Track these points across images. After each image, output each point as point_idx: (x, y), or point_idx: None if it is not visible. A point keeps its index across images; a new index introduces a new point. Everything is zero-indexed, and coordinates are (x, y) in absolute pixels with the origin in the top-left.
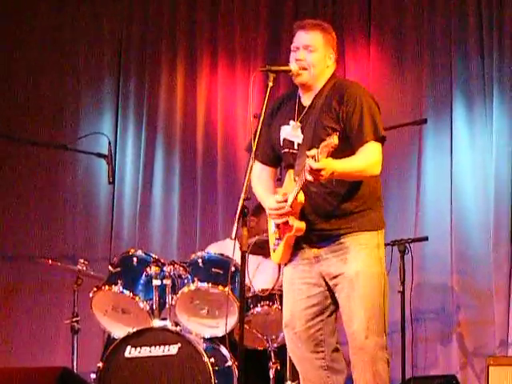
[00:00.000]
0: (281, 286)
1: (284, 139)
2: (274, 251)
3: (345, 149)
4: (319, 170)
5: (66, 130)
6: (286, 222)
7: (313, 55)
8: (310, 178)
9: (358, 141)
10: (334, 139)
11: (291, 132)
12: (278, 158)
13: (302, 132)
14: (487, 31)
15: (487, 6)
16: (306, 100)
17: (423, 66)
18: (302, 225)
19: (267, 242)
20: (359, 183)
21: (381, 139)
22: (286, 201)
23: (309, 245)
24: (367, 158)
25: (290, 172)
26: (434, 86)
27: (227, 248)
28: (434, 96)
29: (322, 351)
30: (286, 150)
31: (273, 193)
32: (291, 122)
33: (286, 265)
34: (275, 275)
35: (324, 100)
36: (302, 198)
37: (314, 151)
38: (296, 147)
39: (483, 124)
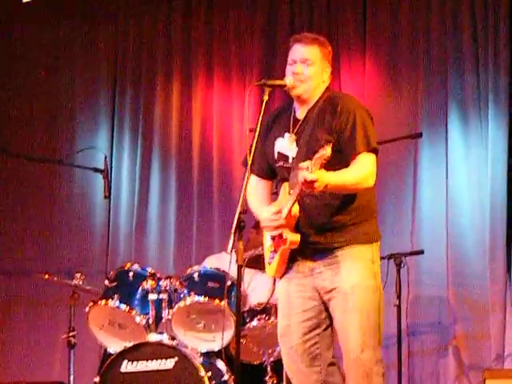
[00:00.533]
0: (276, 300)
1: (278, 153)
2: (269, 264)
3: (339, 162)
4: (313, 182)
5: (61, 145)
6: (281, 235)
7: (310, 69)
8: (304, 189)
9: (350, 152)
10: (326, 151)
11: (286, 145)
12: (274, 171)
13: (297, 145)
14: (482, 44)
15: (482, 19)
16: (301, 113)
17: (418, 80)
18: (297, 238)
19: (262, 256)
20: (354, 195)
21: (373, 151)
22: (280, 212)
23: (303, 258)
24: (360, 170)
25: (285, 185)
26: (429, 99)
27: (225, 261)
28: (429, 109)
29: (318, 365)
30: (281, 164)
31: (267, 206)
32: (286, 135)
33: (280, 278)
34: (270, 289)
35: (317, 113)
36: (296, 210)
37: (307, 163)
38: (290, 160)
39: (478, 136)
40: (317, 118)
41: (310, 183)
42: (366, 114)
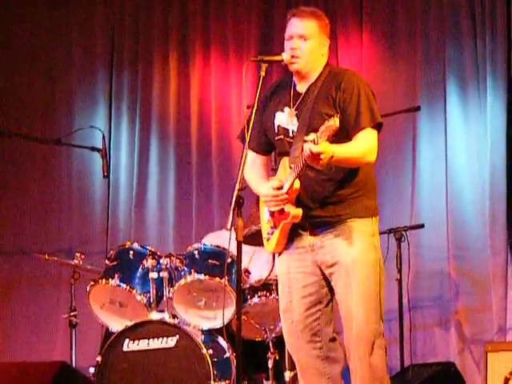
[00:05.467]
0: (276, 276)
1: (278, 126)
2: (267, 240)
3: (340, 136)
4: (319, 154)
5: (59, 125)
6: (282, 210)
7: (307, 43)
8: (309, 162)
9: (355, 127)
10: (335, 122)
11: (286, 119)
12: (271, 146)
13: (298, 119)
14: (479, 16)
15: None
16: (302, 87)
17: (416, 52)
18: (299, 211)
19: (259, 231)
20: (355, 170)
21: (377, 126)
22: (281, 187)
23: (304, 232)
24: (364, 145)
25: (285, 159)
26: (427, 72)
27: (224, 238)
28: (427, 82)
29: (319, 341)
30: (281, 137)
31: (266, 180)
32: (286, 109)
33: (280, 254)
34: (269, 265)
35: (320, 88)
36: (297, 185)
37: (312, 135)
38: (291, 134)
39: (477, 109)
40: (319, 92)
41: (315, 156)
42: (370, 90)
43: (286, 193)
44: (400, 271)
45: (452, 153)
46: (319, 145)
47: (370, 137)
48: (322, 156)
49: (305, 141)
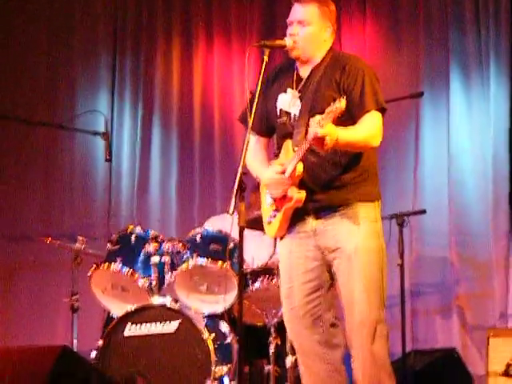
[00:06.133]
0: (278, 261)
1: (281, 109)
2: (268, 224)
3: (344, 120)
4: (324, 137)
5: (62, 109)
6: (285, 194)
7: (306, 29)
8: (314, 145)
9: (359, 110)
10: (341, 104)
11: (289, 101)
12: (272, 129)
13: (301, 101)
14: (483, 2)
15: None
16: (304, 71)
17: (419, 39)
18: (302, 195)
19: (260, 216)
20: (358, 154)
21: (382, 110)
22: (284, 171)
23: (306, 216)
24: (369, 128)
25: (287, 142)
26: (430, 58)
27: (227, 221)
28: (430, 68)
29: (320, 326)
30: (283, 120)
31: (267, 164)
32: (289, 90)
33: (281, 238)
34: (271, 249)
35: (323, 72)
36: (300, 168)
37: (317, 117)
38: (293, 117)
39: (480, 94)
40: (322, 76)
41: (320, 138)
42: (374, 74)
43: (289, 176)
44: (402, 257)
45: (455, 139)
46: (324, 127)
47: (375, 120)
48: (326, 138)
49: (308, 124)
